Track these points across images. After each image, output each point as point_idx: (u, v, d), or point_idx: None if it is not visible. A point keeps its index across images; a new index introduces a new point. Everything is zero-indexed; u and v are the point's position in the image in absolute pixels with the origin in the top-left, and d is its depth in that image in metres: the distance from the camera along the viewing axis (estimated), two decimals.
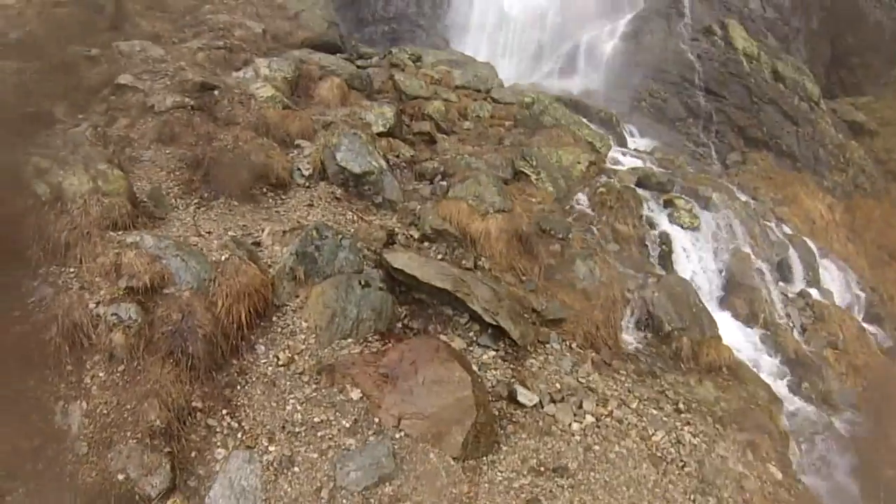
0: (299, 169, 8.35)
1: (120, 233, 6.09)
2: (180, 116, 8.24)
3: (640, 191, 9.98)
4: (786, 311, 9.45)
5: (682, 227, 9.54)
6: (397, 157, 9.53)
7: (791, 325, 9.30)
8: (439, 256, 7.61)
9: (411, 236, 7.86)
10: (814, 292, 10.21)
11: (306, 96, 10.32)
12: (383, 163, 8.67)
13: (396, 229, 7.89)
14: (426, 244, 7.80)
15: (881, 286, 11.55)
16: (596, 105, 13.45)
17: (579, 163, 10.12)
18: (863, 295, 11.05)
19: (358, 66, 12.11)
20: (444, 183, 8.82)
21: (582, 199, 9.57)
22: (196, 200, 7.30)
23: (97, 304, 5.39)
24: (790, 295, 9.90)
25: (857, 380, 8.83)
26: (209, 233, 6.77)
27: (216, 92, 9.01)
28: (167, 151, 7.84)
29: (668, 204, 9.85)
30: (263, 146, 8.24)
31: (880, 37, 17.52)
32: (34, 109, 7.45)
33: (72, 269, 5.66)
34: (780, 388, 8.10)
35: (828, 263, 11.17)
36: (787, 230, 11.41)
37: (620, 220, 9.22)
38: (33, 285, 5.42)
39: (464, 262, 7.57)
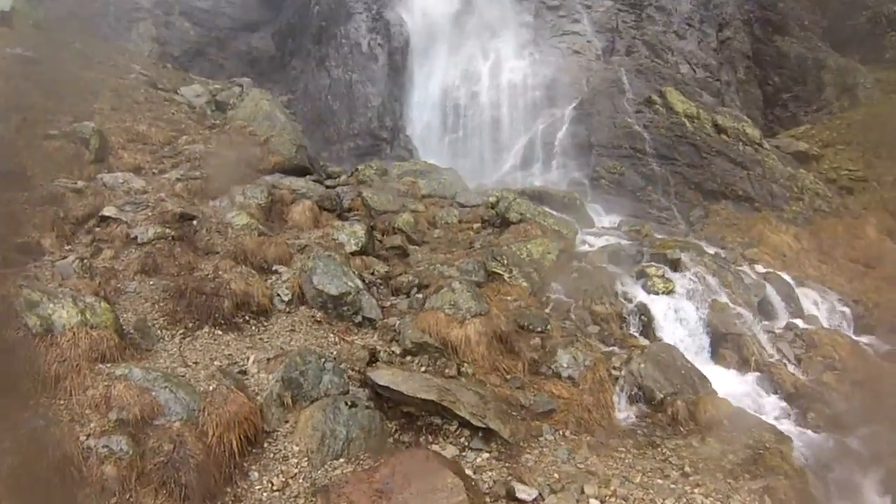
0: (279, 295, 8.65)
1: (108, 365, 6.26)
2: (162, 247, 8.59)
3: (611, 268, 10.34)
4: (776, 348, 9.48)
5: (657, 294, 9.78)
6: (372, 274, 9.82)
7: (784, 360, 9.31)
8: (422, 368, 7.80)
9: (393, 352, 8.08)
10: (799, 322, 10.31)
11: (280, 221, 10.73)
12: (359, 282, 9.00)
13: (378, 347, 8.13)
14: (408, 358, 7.99)
15: (863, 296, 11.63)
16: (558, 192, 14.15)
17: (549, 253, 10.58)
18: (847, 310, 11.15)
19: (327, 187, 12.56)
20: (420, 295, 9.12)
21: (557, 288, 9.88)
22: (181, 331, 7.53)
23: (87, 436, 5.47)
24: (777, 331, 9.99)
25: (863, 394, 8.63)
26: (196, 363, 7.04)
27: (195, 222, 9.43)
28: (151, 283, 8.14)
29: (640, 275, 10.15)
30: (243, 274, 8.53)
31: (803, 68, 18.99)
32: (23, 240, 7.74)
33: (62, 402, 5.74)
34: (787, 425, 8.03)
35: (806, 290, 11.35)
36: (761, 269, 11.71)
37: (596, 300, 9.51)
38: (24, 417, 5.43)
39: (447, 370, 7.76)
